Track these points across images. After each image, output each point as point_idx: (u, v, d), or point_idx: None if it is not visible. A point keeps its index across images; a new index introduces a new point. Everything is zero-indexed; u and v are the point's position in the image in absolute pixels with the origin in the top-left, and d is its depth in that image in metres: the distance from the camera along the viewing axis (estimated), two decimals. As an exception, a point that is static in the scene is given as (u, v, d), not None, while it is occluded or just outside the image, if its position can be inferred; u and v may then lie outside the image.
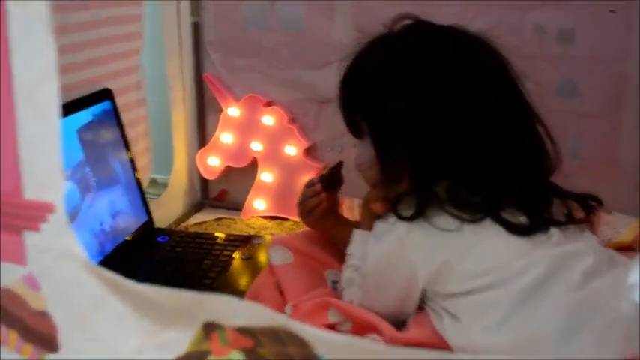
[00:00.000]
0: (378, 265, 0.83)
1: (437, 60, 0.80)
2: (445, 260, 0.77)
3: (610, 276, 0.74)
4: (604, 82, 1.15)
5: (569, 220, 0.80)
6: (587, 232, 0.82)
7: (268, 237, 1.18)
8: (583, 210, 0.82)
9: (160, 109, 1.38)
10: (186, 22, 1.34)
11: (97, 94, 1.11)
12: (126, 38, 1.24)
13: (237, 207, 1.38)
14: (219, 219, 1.35)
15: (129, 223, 1.15)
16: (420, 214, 0.77)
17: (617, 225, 1.07)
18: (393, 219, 0.80)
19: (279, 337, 0.41)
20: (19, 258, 0.51)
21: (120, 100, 1.16)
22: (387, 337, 0.78)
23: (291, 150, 1.33)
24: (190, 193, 1.43)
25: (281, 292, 0.94)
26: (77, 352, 0.49)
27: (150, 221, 1.21)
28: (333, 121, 1.29)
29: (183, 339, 0.44)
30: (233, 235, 1.22)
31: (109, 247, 1.06)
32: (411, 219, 0.78)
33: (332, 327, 0.83)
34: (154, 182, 1.44)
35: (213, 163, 1.38)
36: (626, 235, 1.05)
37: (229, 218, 1.35)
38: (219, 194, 1.45)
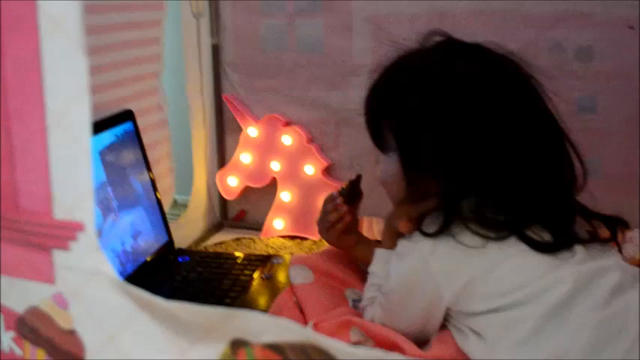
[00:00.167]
0: (400, 284, 0.83)
1: (467, 77, 0.81)
2: (469, 279, 0.76)
3: (636, 293, 0.74)
4: (624, 98, 1.15)
5: (594, 239, 0.80)
6: (612, 250, 0.81)
7: (288, 256, 1.18)
8: (609, 231, 0.82)
9: (180, 130, 1.39)
10: (206, 43, 1.36)
11: (119, 115, 1.12)
12: (147, 60, 1.26)
13: (256, 227, 1.39)
14: (238, 239, 1.35)
15: (150, 243, 1.15)
16: (444, 230, 0.77)
17: (638, 241, 1.06)
18: (416, 237, 0.80)
19: (306, 352, 0.41)
20: (47, 277, 0.52)
21: (141, 122, 1.17)
22: (409, 356, 0.78)
23: (310, 169, 1.33)
24: (210, 214, 1.44)
25: (302, 312, 0.94)
26: (105, 371, 0.49)
27: (170, 241, 1.22)
28: (352, 140, 1.31)
29: (212, 356, 0.44)
30: (253, 255, 1.22)
31: (130, 268, 1.07)
32: (435, 235, 0.78)
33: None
34: (173, 202, 1.45)
35: (232, 183, 1.39)
36: (648, 251, 1.04)
37: (249, 238, 1.35)
38: (238, 214, 1.46)
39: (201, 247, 1.32)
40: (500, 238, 0.76)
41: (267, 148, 1.35)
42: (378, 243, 1.02)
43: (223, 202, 1.45)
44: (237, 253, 1.23)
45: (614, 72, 1.15)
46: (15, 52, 0.47)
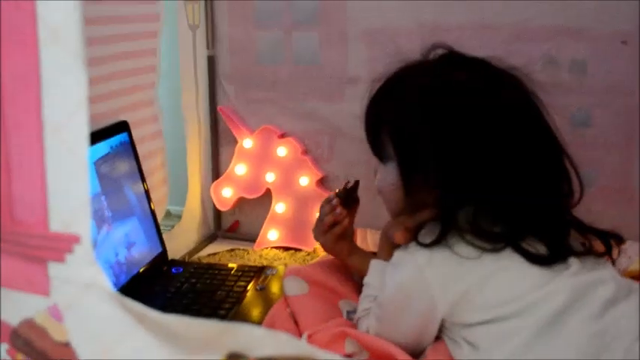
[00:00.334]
0: (396, 295, 0.83)
1: (468, 90, 0.81)
2: (465, 290, 0.77)
3: (629, 304, 0.74)
4: (618, 112, 1.16)
5: (589, 252, 0.80)
6: (606, 263, 0.82)
7: (282, 268, 1.18)
8: (604, 246, 0.82)
9: (175, 141, 1.39)
10: (202, 55, 1.36)
11: (114, 126, 1.12)
12: (142, 71, 1.26)
13: (250, 238, 1.39)
14: (232, 250, 1.35)
15: (143, 254, 1.15)
16: (440, 241, 0.77)
17: (631, 253, 1.07)
18: (412, 247, 0.80)
19: (303, 367, 0.41)
20: (43, 289, 0.51)
21: (136, 133, 1.17)
22: (404, 368, 0.78)
23: (305, 181, 1.33)
24: (204, 225, 1.44)
25: (296, 323, 0.94)
26: (100, 384, 0.49)
27: (164, 252, 1.22)
28: (347, 152, 1.32)
29: (208, 370, 0.44)
30: (247, 266, 1.22)
31: (123, 279, 1.07)
32: (431, 245, 0.78)
33: (349, 357, 0.82)
34: (167, 213, 1.45)
35: (227, 194, 1.39)
36: (641, 263, 1.05)
37: (242, 249, 1.35)
38: (232, 225, 1.46)
39: (195, 258, 1.32)
40: (495, 250, 0.76)
41: (261, 159, 1.36)
42: (372, 254, 1.02)
43: (217, 213, 1.45)
44: (230, 265, 1.23)
45: (608, 86, 1.15)
46: (14, 63, 0.47)
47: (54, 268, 0.50)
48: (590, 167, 1.13)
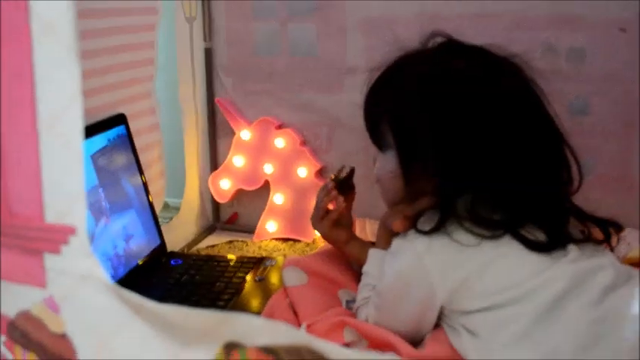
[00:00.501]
0: (394, 283, 0.83)
1: (467, 77, 0.81)
2: (464, 277, 0.76)
3: (628, 291, 0.74)
4: (616, 100, 1.16)
5: (587, 239, 0.80)
6: (605, 250, 0.82)
7: (281, 259, 1.18)
8: (602, 234, 0.82)
9: (173, 134, 1.39)
10: (199, 47, 1.36)
11: (112, 119, 1.12)
12: (140, 64, 1.25)
13: (249, 229, 1.39)
14: (231, 241, 1.35)
15: (142, 246, 1.15)
16: (439, 228, 0.77)
17: (630, 240, 1.07)
18: (411, 235, 0.80)
19: (300, 355, 0.41)
20: (39, 280, 0.51)
21: (134, 125, 1.17)
22: (403, 355, 0.78)
23: (303, 172, 1.33)
24: (202, 217, 1.44)
25: (295, 313, 0.94)
26: (97, 375, 0.49)
27: (163, 245, 1.22)
28: (345, 143, 1.32)
29: (205, 359, 0.44)
30: (246, 258, 1.22)
31: (122, 271, 1.07)
32: (430, 233, 0.78)
33: (348, 346, 0.82)
34: (166, 206, 1.44)
35: (225, 185, 1.39)
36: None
37: (241, 241, 1.35)
38: (230, 217, 1.46)
39: (194, 250, 1.32)
40: (494, 237, 0.76)
41: (259, 150, 1.35)
42: (371, 243, 1.02)
43: (216, 205, 1.45)
44: (229, 256, 1.23)
45: (607, 74, 1.15)
46: (7, 57, 0.47)
47: (50, 260, 0.50)
48: (588, 155, 1.12)
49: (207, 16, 1.35)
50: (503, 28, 1.16)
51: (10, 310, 0.53)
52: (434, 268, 0.78)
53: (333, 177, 1.04)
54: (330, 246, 1.08)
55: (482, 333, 0.75)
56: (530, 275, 0.75)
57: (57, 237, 0.48)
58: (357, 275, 1.00)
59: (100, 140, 1.07)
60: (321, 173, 1.34)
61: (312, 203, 1.08)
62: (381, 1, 1.23)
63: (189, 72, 1.35)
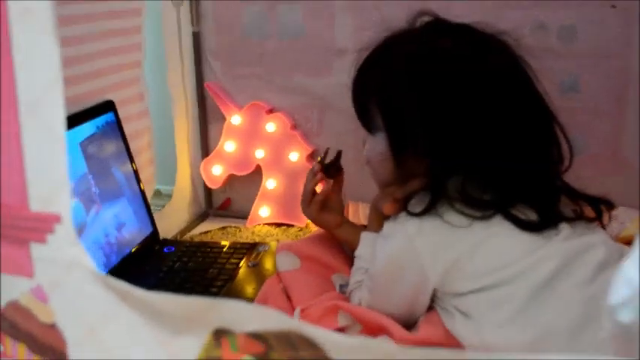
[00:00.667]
0: (387, 266, 0.82)
1: (454, 56, 0.80)
2: (455, 259, 0.76)
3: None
4: (607, 77, 1.15)
5: (579, 217, 0.80)
6: (597, 228, 0.82)
7: (274, 244, 1.17)
8: (594, 212, 0.82)
9: (163, 120, 1.37)
10: (187, 31, 1.34)
11: (100, 106, 1.11)
12: (127, 50, 1.24)
13: (242, 215, 1.38)
14: (224, 227, 1.35)
15: (134, 234, 1.14)
16: (430, 210, 0.77)
17: (623, 219, 1.07)
18: (402, 218, 0.80)
19: (291, 341, 0.41)
20: (26, 270, 0.51)
21: (122, 112, 1.16)
22: (397, 339, 0.78)
23: (295, 156, 1.32)
24: (195, 203, 1.43)
25: (289, 298, 0.94)
26: (87, 364, 0.48)
27: (155, 232, 1.21)
28: (336, 126, 1.31)
29: (194, 346, 0.43)
30: (239, 243, 1.22)
31: (114, 260, 1.06)
32: (420, 214, 0.77)
33: (341, 330, 0.82)
34: (157, 193, 1.44)
35: (216, 171, 1.38)
36: (632, 228, 1.05)
37: (234, 226, 1.35)
38: (223, 203, 1.45)
39: (187, 236, 1.32)
40: (485, 217, 0.76)
41: (250, 135, 1.34)
42: (363, 227, 1.02)
43: (208, 191, 1.44)
44: (223, 242, 1.23)
45: (597, 51, 1.14)
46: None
47: (36, 249, 0.49)
48: (579, 133, 1.12)
49: (194, 0, 1.33)
50: (494, 7, 1.15)
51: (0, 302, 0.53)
52: (425, 250, 0.77)
53: (319, 159, 1.04)
54: (322, 230, 1.08)
55: (475, 314, 0.75)
56: (522, 255, 0.75)
57: (42, 226, 0.47)
58: (349, 259, 1.00)
59: (89, 128, 1.06)
60: (312, 157, 1.34)
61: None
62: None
63: (178, 57, 1.34)
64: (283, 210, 1.35)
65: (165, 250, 1.18)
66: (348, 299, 0.90)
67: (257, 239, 1.28)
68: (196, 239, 1.29)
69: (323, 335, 0.41)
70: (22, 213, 0.48)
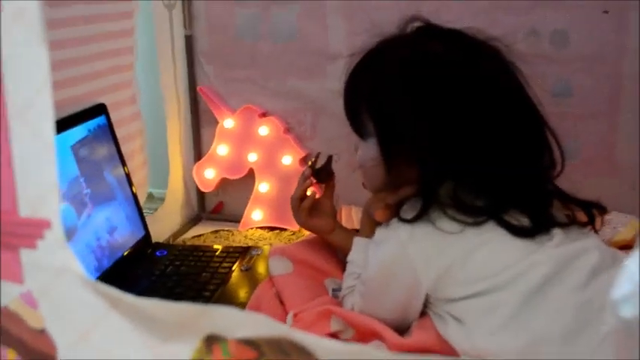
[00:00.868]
0: (379, 272, 0.82)
1: (446, 62, 0.80)
2: (447, 265, 0.76)
3: (613, 274, 0.74)
4: (599, 82, 1.15)
5: (572, 222, 0.80)
6: (590, 232, 0.82)
7: (267, 247, 1.17)
8: (586, 216, 0.82)
9: (155, 123, 1.37)
10: (179, 34, 1.34)
11: (92, 109, 1.10)
12: (119, 53, 1.24)
13: (235, 219, 1.38)
14: (216, 231, 1.34)
15: (126, 238, 1.14)
16: (422, 216, 0.77)
17: (616, 223, 1.07)
18: (394, 224, 0.79)
19: (282, 347, 0.41)
20: (16, 276, 0.50)
21: (115, 115, 1.15)
22: (389, 344, 0.77)
23: (288, 160, 1.32)
24: (187, 207, 1.43)
25: (282, 303, 0.94)
26: (77, 370, 0.48)
27: (147, 236, 1.20)
28: (329, 129, 1.31)
29: (186, 352, 0.43)
30: (231, 247, 1.21)
31: (106, 263, 1.06)
32: (412, 221, 0.77)
33: (334, 335, 0.82)
34: (150, 196, 1.43)
35: (209, 175, 1.38)
36: (625, 233, 1.05)
37: (227, 230, 1.35)
38: (216, 206, 1.45)
39: (180, 240, 1.31)
40: (477, 223, 0.76)
41: (243, 139, 1.34)
42: (355, 231, 1.01)
43: (201, 194, 1.44)
44: (215, 246, 1.22)
45: (589, 56, 1.15)
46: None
47: (26, 255, 0.48)
48: (572, 137, 1.13)
49: (186, 3, 1.33)
50: (486, 12, 1.15)
51: (-11, 307, 0.52)
52: (417, 256, 0.77)
53: (309, 164, 1.03)
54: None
55: (468, 320, 0.75)
56: (515, 261, 0.75)
57: (32, 231, 0.47)
58: (342, 263, 1.00)
59: (80, 131, 1.05)
60: (305, 161, 1.33)
61: (297, 191, 1.07)
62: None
63: (170, 60, 1.34)
64: (276, 214, 1.34)
65: (157, 253, 1.18)
66: (340, 304, 0.90)
67: (250, 243, 1.27)
68: (189, 243, 1.28)
69: (314, 341, 0.40)
70: (12, 218, 0.47)
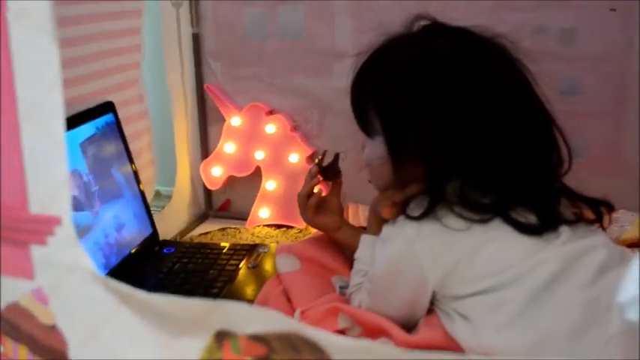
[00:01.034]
0: (386, 269, 0.82)
1: (453, 60, 0.80)
2: (455, 262, 0.76)
3: (621, 271, 0.74)
4: (606, 80, 1.15)
5: (579, 219, 0.80)
6: (598, 230, 0.82)
7: (274, 245, 1.17)
8: (594, 214, 0.82)
9: (162, 121, 1.37)
10: (186, 33, 1.34)
11: (99, 107, 1.11)
12: (126, 51, 1.24)
13: (242, 216, 1.38)
14: (223, 229, 1.35)
15: (134, 235, 1.14)
16: (429, 213, 0.77)
17: (623, 222, 1.07)
18: (401, 221, 0.79)
19: (292, 343, 0.41)
20: (27, 272, 0.51)
21: (122, 113, 1.16)
22: (397, 341, 0.77)
23: (295, 157, 1.32)
24: (194, 204, 1.43)
25: (289, 300, 0.94)
26: (88, 366, 0.48)
27: (155, 233, 1.21)
28: (336, 127, 1.31)
29: (196, 348, 0.43)
30: (239, 245, 1.22)
31: (114, 261, 1.06)
32: (419, 218, 0.77)
33: (341, 332, 0.82)
34: (157, 194, 1.44)
35: (216, 173, 1.38)
36: (632, 231, 1.05)
37: (234, 228, 1.35)
38: (223, 204, 1.45)
39: (187, 238, 1.32)
40: (484, 221, 0.76)
41: (250, 137, 1.34)
42: (362, 229, 1.01)
43: (208, 192, 1.44)
44: (222, 243, 1.23)
45: (597, 54, 1.15)
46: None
47: (36, 251, 0.49)
48: (579, 136, 1.12)
49: (194, 1, 1.33)
50: (493, 11, 1.15)
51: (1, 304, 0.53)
52: (424, 253, 0.77)
53: (316, 162, 1.03)
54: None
55: (475, 317, 0.75)
56: (522, 258, 0.75)
57: (42, 228, 0.47)
58: (349, 260, 1.00)
59: (89, 129, 1.06)
60: (312, 159, 1.34)
61: (304, 189, 1.07)
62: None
63: (177, 58, 1.34)
64: (283, 211, 1.34)
65: (164, 251, 1.18)
66: (347, 301, 0.90)
67: (257, 241, 1.28)
68: (196, 240, 1.29)
69: (325, 337, 0.40)
70: (22, 215, 0.48)
